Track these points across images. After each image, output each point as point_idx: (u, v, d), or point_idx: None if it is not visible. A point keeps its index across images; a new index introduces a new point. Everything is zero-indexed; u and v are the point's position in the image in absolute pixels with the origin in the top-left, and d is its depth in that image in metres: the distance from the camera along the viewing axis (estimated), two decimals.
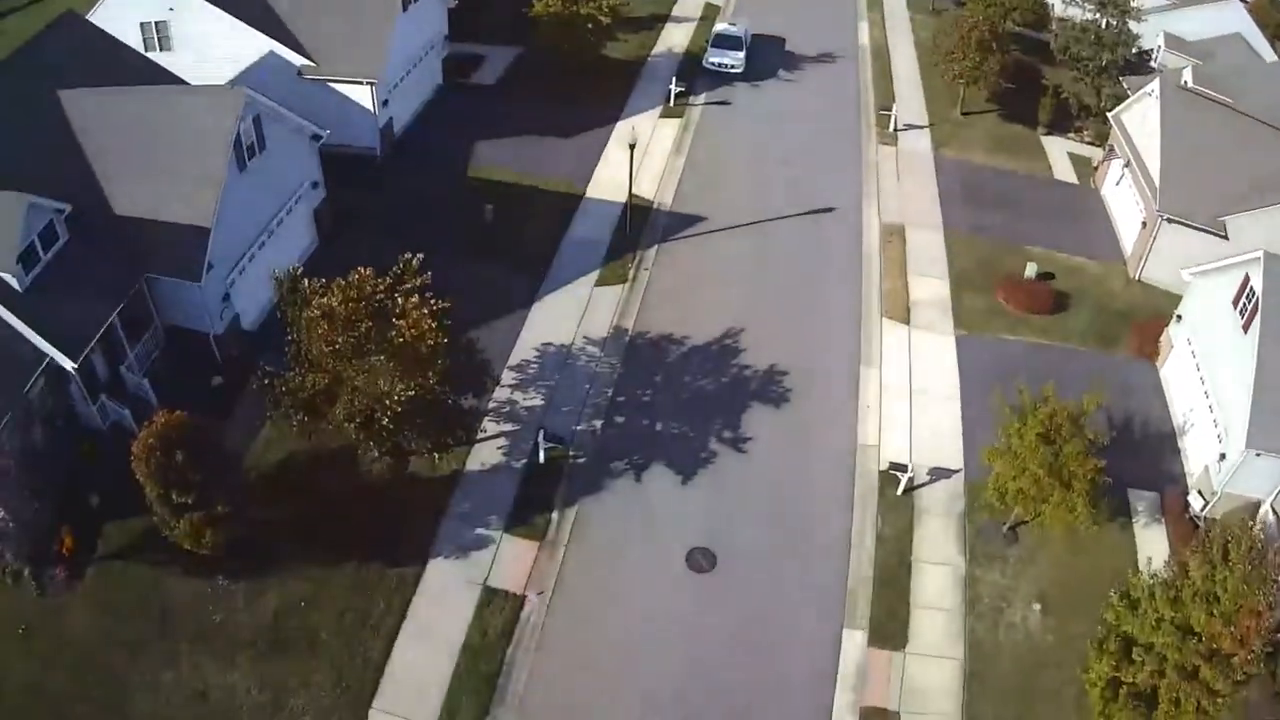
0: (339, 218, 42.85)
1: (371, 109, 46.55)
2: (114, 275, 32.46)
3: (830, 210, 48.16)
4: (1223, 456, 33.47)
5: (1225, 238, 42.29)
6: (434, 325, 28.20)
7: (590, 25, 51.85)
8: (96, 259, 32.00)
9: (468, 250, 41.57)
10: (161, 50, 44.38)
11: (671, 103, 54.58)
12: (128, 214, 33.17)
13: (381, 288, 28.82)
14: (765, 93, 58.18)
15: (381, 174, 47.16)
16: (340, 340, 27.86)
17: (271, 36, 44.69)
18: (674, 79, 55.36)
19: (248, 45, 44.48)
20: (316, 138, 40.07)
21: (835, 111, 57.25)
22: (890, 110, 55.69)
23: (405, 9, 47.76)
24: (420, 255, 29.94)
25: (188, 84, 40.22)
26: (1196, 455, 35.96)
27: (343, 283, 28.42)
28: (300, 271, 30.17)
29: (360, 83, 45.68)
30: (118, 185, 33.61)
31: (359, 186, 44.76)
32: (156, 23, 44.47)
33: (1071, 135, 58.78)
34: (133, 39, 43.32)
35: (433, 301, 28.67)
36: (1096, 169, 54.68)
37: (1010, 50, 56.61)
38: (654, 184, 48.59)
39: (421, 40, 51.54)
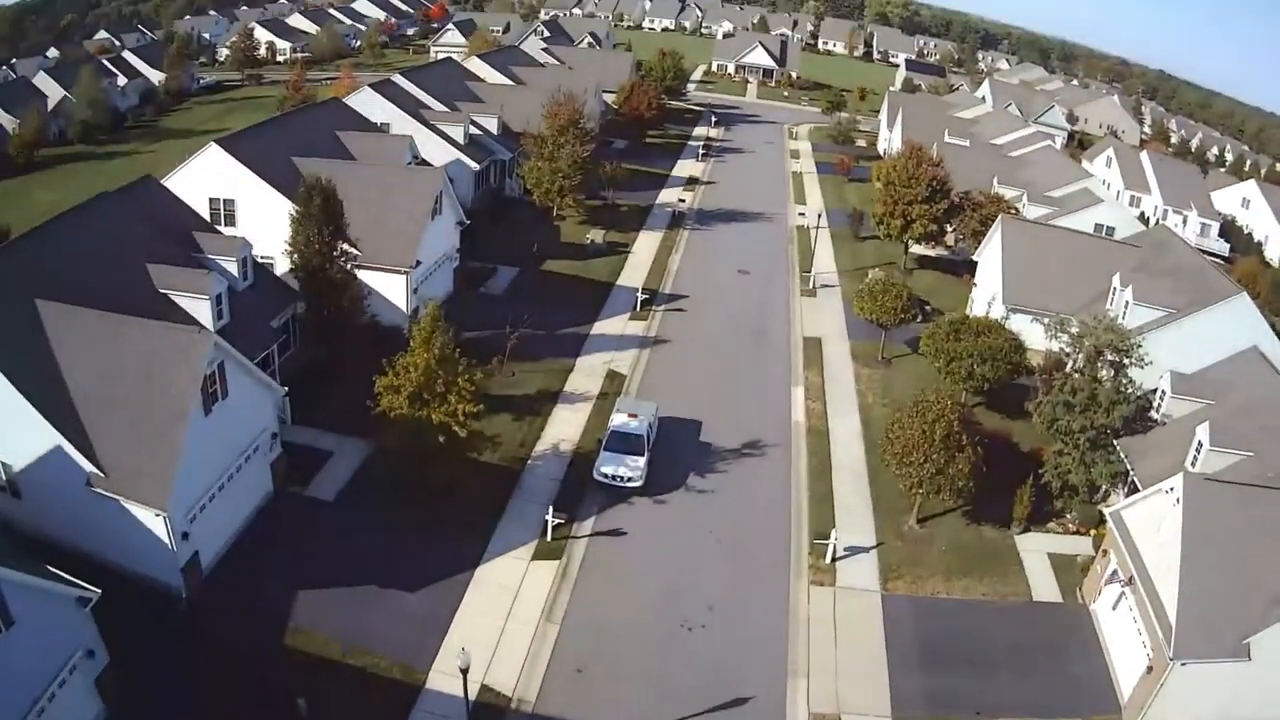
0: (130, 689, 32.88)
1: (168, 543, 35.92)
2: None
3: (747, 701, 36.55)
4: None
5: (1249, 659, 34.24)
6: None
7: (442, 438, 41.29)
8: None
9: None
10: None
11: (549, 537, 43.42)
12: None
13: None
14: (671, 513, 46.89)
15: (184, 626, 36.51)
16: None
17: (61, 430, 34.94)
18: (551, 507, 44.12)
19: (35, 439, 35.21)
20: (85, 600, 29.94)
21: (758, 536, 46.15)
22: (828, 539, 44.40)
23: (208, 411, 37.49)
24: None
25: None
26: None
27: None
28: None
29: (155, 513, 35.11)
30: None
31: (157, 640, 35.16)
32: None
33: (1053, 525, 48.87)
34: None
35: None
36: (1085, 575, 44.52)
37: (982, 441, 46.04)
38: (513, 670, 36.73)
39: (240, 441, 41.14)
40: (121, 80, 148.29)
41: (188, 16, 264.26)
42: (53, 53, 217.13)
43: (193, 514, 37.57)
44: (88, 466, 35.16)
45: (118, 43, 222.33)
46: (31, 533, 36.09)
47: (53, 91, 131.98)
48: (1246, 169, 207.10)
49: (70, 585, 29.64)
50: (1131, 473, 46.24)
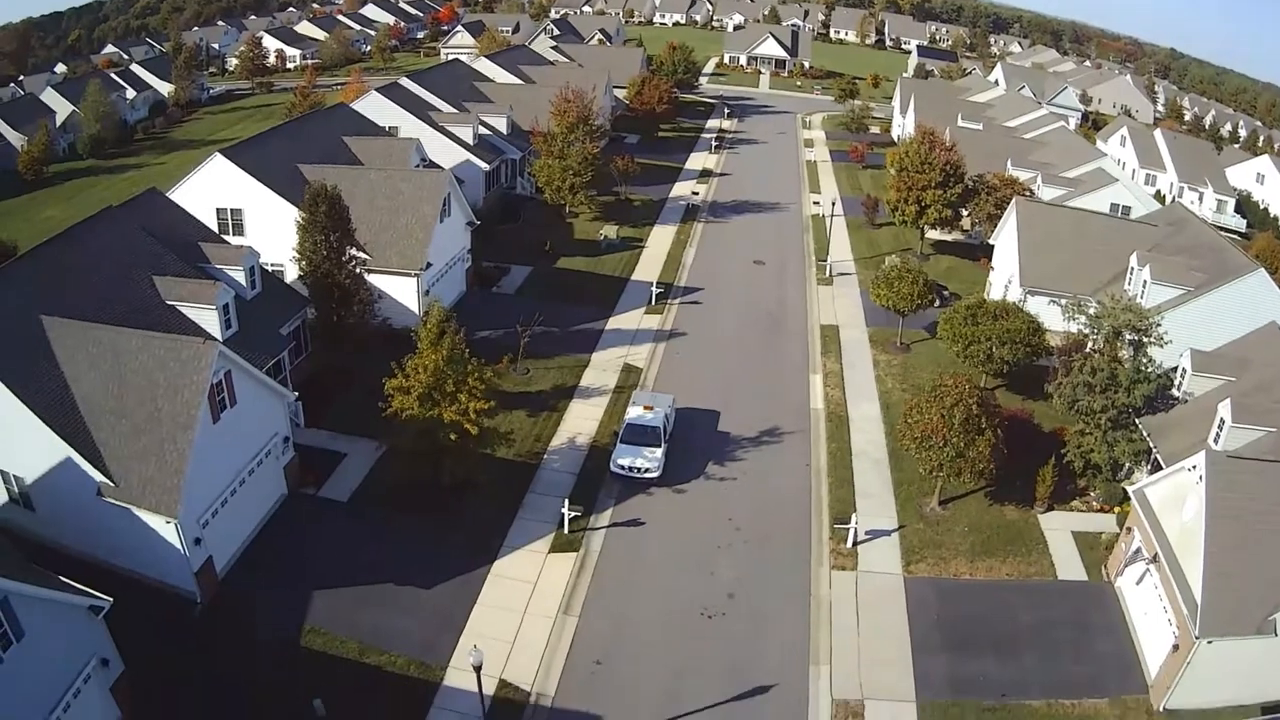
0: (146, 695, 33.00)
1: (181, 549, 36.05)
2: None
3: (769, 689, 36.16)
4: None
5: (1275, 635, 33.69)
6: None
7: (454, 436, 41.07)
8: None
9: None
10: None
11: (565, 529, 43.12)
12: None
13: None
14: (690, 505, 46.38)
15: (198, 630, 36.50)
16: None
17: (70, 442, 35.20)
18: (567, 500, 43.68)
19: (45, 452, 35.64)
20: (97, 609, 30.06)
21: (778, 523, 45.63)
22: (848, 523, 44.03)
23: (216, 419, 37.48)
24: None
25: None
26: None
27: None
28: None
29: (166, 520, 35.22)
30: None
31: (173, 645, 35.44)
32: None
33: (1076, 503, 48.17)
34: None
35: None
36: (1110, 553, 43.85)
37: (1002, 423, 45.36)
38: (532, 664, 36.56)
39: (251, 446, 41.21)
40: (130, 93, 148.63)
41: (195, 28, 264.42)
42: (60, 68, 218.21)
43: (204, 519, 37.64)
44: (97, 476, 35.45)
45: (126, 56, 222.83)
46: (47, 544, 36.44)
47: (60, 107, 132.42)
48: (1260, 144, 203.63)
49: (82, 594, 29.70)
50: (1154, 450, 45.65)
